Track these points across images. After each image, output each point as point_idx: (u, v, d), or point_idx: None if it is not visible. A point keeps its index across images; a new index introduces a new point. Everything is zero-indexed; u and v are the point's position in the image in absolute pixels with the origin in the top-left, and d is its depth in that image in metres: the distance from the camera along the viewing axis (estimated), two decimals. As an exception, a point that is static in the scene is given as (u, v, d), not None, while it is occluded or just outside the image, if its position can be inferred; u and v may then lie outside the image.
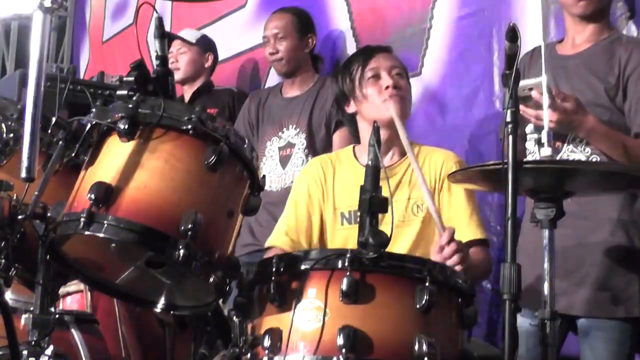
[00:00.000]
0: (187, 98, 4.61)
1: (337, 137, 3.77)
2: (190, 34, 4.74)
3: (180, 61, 4.63)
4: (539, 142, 2.20)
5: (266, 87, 4.61)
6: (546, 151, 2.19)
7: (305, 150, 3.77)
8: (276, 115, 3.95)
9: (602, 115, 2.66)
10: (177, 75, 4.54)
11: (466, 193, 2.80)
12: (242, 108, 4.18)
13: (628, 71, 2.68)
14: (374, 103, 2.88)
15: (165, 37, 2.15)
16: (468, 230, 2.77)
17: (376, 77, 2.90)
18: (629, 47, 2.72)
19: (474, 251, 2.76)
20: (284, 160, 3.83)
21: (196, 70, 4.67)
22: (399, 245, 2.74)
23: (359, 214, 2.80)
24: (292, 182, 3.52)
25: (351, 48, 4.24)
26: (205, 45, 4.74)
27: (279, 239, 2.92)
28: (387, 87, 2.87)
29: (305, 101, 3.88)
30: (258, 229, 3.65)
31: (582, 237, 2.68)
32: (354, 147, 3.03)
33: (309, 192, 2.94)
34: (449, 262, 2.37)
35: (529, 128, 2.56)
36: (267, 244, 2.98)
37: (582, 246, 2.68)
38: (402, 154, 2.89)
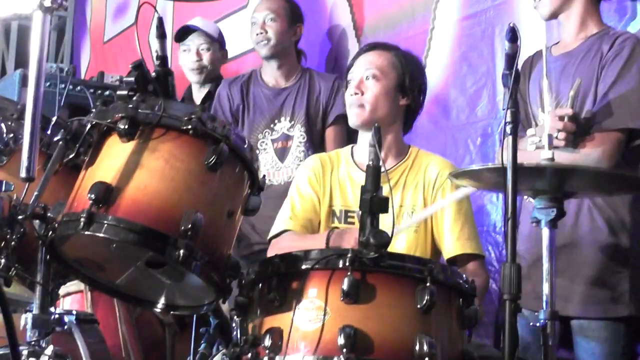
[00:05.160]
0: (197, 100, 4.23)
1: (331, 132, 3.78)
2: (209, 27, 4.35)
3: (205, 59, 4.21)
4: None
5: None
6: (546, 154, 2.19)
7: (307, 144, 3.76)
8: (265, 106, 3.89)
9: (590, 112, 2.66)
10: (200, 75, 4.22)
11: (457, 206, 2.79)
12: (220, 95, 3.96)
13: (604, 59, 2.69)
14: (347, 108, 2.94)
15: (165, 37, 2.14)
16: (458, 244, 2.78)
17: (352, 81, 2.93)
18: (612, 37, 2.73)
19: (468, 270, 2.75)
20: (281, 153, 3.81)
21: (217, 69, 4.27)
22: None
23: (350, 213, 2.82)
24: (293, 175, 3.52)
25: (352, 44, 4.24)
26: (223, 39, 4.31)
27: (289, 224, 2.90)
28: (351, 94, 2.90)
29: (297, 93, 3.86)
30: (261, 225, 3.63)
31: (572, 237, 2.68)
32: (352, 147, 3.04)
33: (311, 186, 2.94)
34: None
35: (530, 131, 2.56)
36: (274, 232, 2.93)
37: (572, 246, 2.68)
38: (397, 158, 2.91)
